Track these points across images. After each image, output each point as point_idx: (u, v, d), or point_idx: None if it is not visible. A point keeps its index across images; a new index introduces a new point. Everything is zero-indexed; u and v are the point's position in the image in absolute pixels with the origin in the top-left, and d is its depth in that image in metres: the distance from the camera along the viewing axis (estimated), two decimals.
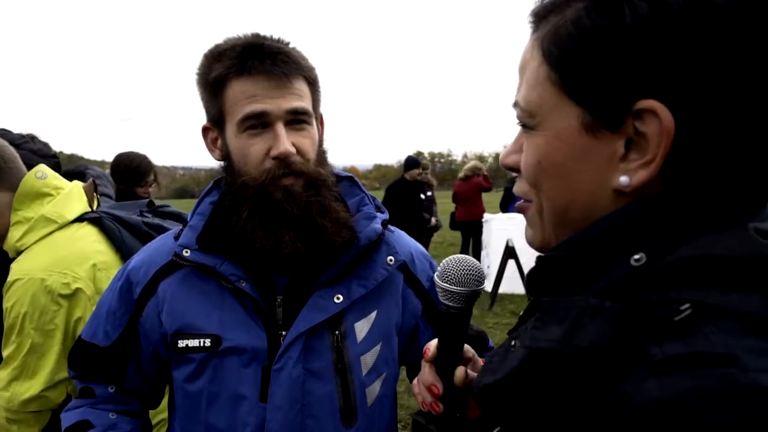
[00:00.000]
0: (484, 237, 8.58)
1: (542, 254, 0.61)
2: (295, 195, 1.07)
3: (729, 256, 0.47)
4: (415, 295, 1.23)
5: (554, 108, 0.58)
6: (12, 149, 1.60)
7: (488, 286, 7.69)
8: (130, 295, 1.17)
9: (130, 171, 3.30)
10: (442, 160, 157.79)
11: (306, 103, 1.09)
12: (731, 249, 0.48)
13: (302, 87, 1.08)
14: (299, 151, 1.08)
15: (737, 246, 0.48)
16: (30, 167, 1.61)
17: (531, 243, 0.67)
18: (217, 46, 1.09)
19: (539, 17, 0.60)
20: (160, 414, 1.73)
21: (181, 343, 1.11)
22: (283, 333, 1.10)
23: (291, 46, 1.11)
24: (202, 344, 1.09)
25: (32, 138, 2.40)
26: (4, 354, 1.51)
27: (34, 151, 1.90)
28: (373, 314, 1.15)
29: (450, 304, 0.80)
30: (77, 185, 1.71)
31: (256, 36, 1.08)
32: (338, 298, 1.11)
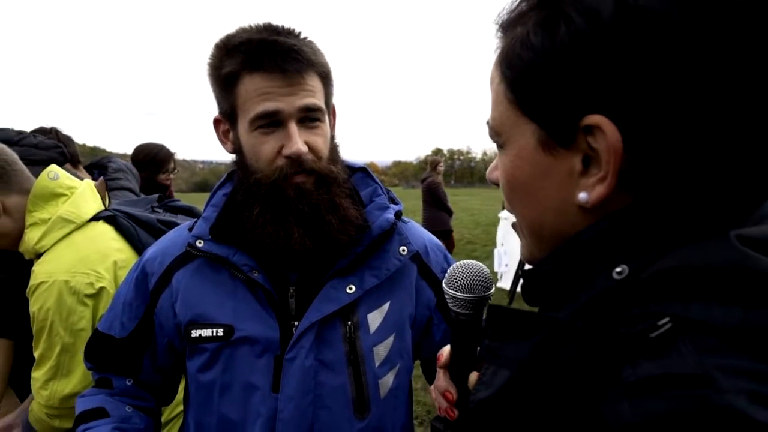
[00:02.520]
0: (501, 234, 8.51)
1: (534, 266, 0.61)
2: (307, 193, 1.07)
3: (708, 266, 0.45)
4: (429, 286, 1.21)
5: (514, 126, 0.57)
6: (12, 152, 1.60)
7: (506, 284, 7.64)
8: (146, 287, 1.18)
9: (150, 160, 3.52)
10: (461, 158, 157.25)
11: (319, 100, 1.07)
12: (710, 259, 0.46)
13: (315, 83, 1.07)
14: (312, 149, 1.07)
15: (716, 255, 0.46)
16: (33, 162, 1.61)
17: (522, 257, 0.67)
18: (229, 39, 1.07)
19: (502, 31, 0.59)
20: (178, 407, 1.75)
21: (194, 333, 1.11)
22: (296, 323, 1.10)
23: (305, 38, 1.09)
24: (214, 334, 1.10)
25: (56, 131, 2.43)
26: (36, 354, 1.53)
27: (33, 145, 1.89)
28: (386, 305, 1.14)
29: (459, 310, 0.80)
30: (89, 184, 1.71)
31: (269, 30, 1.06)
32: (350, 289, 1.10)
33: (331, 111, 1.17)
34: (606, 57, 0.48)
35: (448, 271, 0.82)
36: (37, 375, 1.53)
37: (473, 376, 0.78)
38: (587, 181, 0.53)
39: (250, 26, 1.08)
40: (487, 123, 0.63)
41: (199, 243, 1.12)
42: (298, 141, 1.03)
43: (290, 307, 1.12)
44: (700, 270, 0.45)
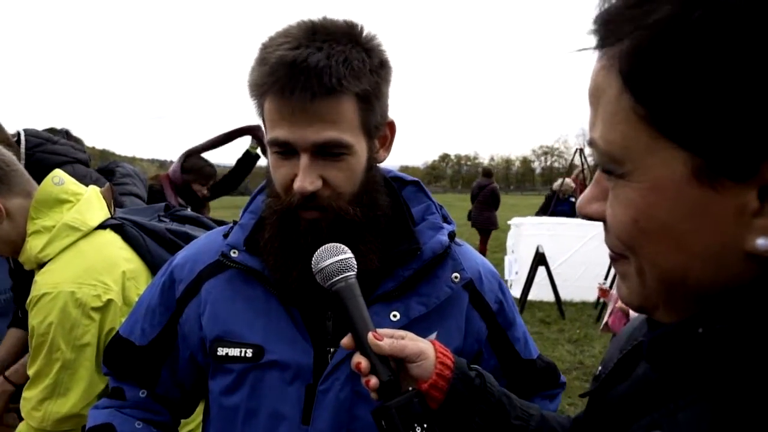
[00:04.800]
0: (512, 242, 8.45)
1: (699, 325, 0.47)
2: (317, 231, 0.96)
3: None
4: (480, 317, 1.09)
5: (648, 152, 0.45)
6: (9, 153, 1.52)
7: (517, 292, 7.56)
8: (172, 294, 1.11)
9: (196, 170, 3.83)
10: (468, 163, 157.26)
11: (343, 131, 0.92)
12: None
13: (340, 111, 0.91)
14: (328, 185, 0.95)
15: None
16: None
17: (629, 303, 0.54)
18: (266, 45, 0.94)
19: (609, 27, 0.46)
20: (186, 426, 1.67)
21: (221, 352, 1.03)
22: (332, 350, 1.00)
23: (361, 40, 0.94)
24: (243, 354, 1.01)
25: (67, 133, 2.40)
26: (30, 372, 1.44)
27: (71, 145, 1.87)
28: (433, 336, 1.04)
29: (326, 285, 0.87)
30: (95, 190, 1.64)
31: (310, 36, 0.91)
32: (395, 316, 1.00)
33: (385, 127, 1.03)
34: None
35: (313, 259, 0.88)
36: (30, 395, 1.43)
37: (370, 338, 0.81)
38: (767, 222, 0.41)
39: (299, 25, 0.94)
40: (592, 144, 0.50)
41: (234, 253, 1.04)
42: (305, 179, 0.92)
43: (327, 330, 1.02)
44: None
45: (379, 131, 1.01)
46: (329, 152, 0.93)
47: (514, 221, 8.44)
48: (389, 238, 1.04)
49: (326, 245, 0.89)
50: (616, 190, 0.49)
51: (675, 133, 0.42)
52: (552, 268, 7.04)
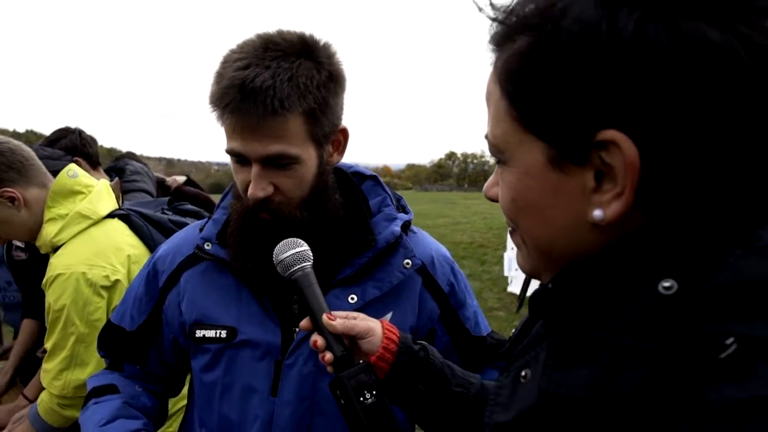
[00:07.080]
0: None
1: (549, 282, 0.58)
2: (271, 230, 1.05)
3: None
4: (432, 298, 1.20)
5: (519, 143, 0.55)
6: (29, 149, 1.68)
7: (516, 288, 7.63)
8: (156, 283, 1.22)
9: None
10: (475, 161, 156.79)
11: (287, 146, 0.99)
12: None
13: (286, 127, 0.98)
14: (279, 191, 1.04)
15: None
16: (53, 174, 1.69)
17: (522, 268, 0.65)
18: (228, 56, 1.00)
19: (496, 45, 0.57)
20: (180, 402, 1.78)
21: (199, 333, 1.14)
22: (297, 329, 1.10)
23: (310, 53, 1.00)
24: (218, 335, 1.13)
25: (80, 133, 2.50)
26: (48, 345, 1.58)
27: (48, 156, 2.02)
28: (388, 316, 1.14)
29: (286, 274, 0.96)
30: (105, 183, 1.80)
31: (260, 54, 0.97)
32: (352, 299, 1.11)
33: (337, 133, 1.10)
34: (620, 71, 0.46)
35: (274, 252, 0.97)
36: (50, 366, 1.57)
37: (324, 318, 0.92)
38: (601, 197, 0.51)
39: (254, 39, 1.00)
40: (486, 138, 0.61)
41: (207, 246, 1.15)
42: (256, 186, 1.01)
43: (294, 313, 1.13)
44: (761, 285, 0.45)
45: (329, 139, 1.08)
46: (278, 163, 1.01)
47: None
48: (348, 230, 1.15)
49: (285, 240, 0.98)
50: (503, 175, 0.60)
51: (536, 129, 0.53)
52: None
